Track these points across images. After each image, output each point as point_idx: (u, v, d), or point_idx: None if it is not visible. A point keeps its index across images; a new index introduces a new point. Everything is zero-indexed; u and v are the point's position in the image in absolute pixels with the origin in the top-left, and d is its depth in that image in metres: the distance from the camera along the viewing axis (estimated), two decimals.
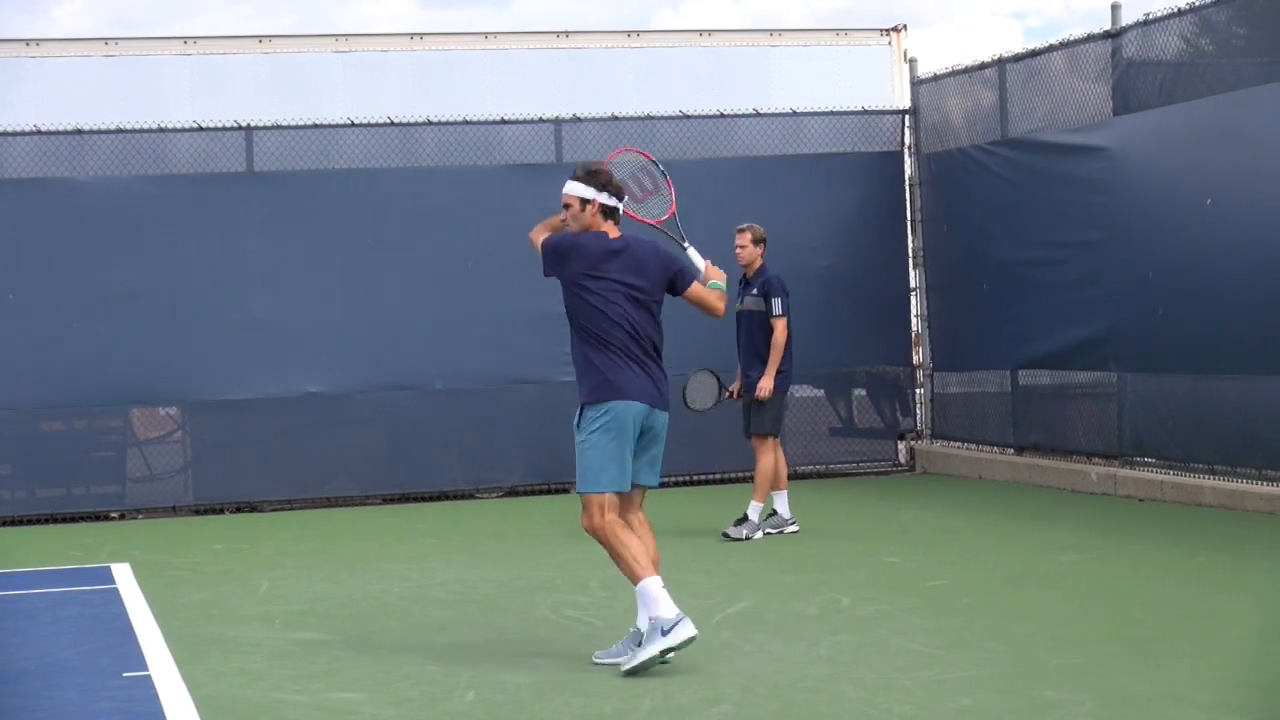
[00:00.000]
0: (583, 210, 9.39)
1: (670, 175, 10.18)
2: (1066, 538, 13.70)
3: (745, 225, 14.35)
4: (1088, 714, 7.88)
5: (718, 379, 14.34)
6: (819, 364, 18.01)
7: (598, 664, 9.27)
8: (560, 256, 9.40)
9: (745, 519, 14.08)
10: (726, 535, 14.00)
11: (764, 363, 14.09)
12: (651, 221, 10.12)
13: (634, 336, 9.31)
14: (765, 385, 14.02)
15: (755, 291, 14.16)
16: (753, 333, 14.17)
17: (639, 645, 9.08)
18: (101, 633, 10.65)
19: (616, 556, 9.14)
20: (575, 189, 9.41)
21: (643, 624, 9.20)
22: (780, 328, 14.07)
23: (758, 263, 14.26)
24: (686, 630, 8.92)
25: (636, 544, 9.13)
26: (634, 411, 9.27)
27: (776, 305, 14.07)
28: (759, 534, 14.02)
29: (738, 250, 14.27)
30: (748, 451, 15.10)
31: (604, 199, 9.40)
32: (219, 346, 17.22)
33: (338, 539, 15.15)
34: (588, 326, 9.31)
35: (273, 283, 17.37)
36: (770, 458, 14.16)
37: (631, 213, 9.89)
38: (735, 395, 14.39)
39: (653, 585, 9.00)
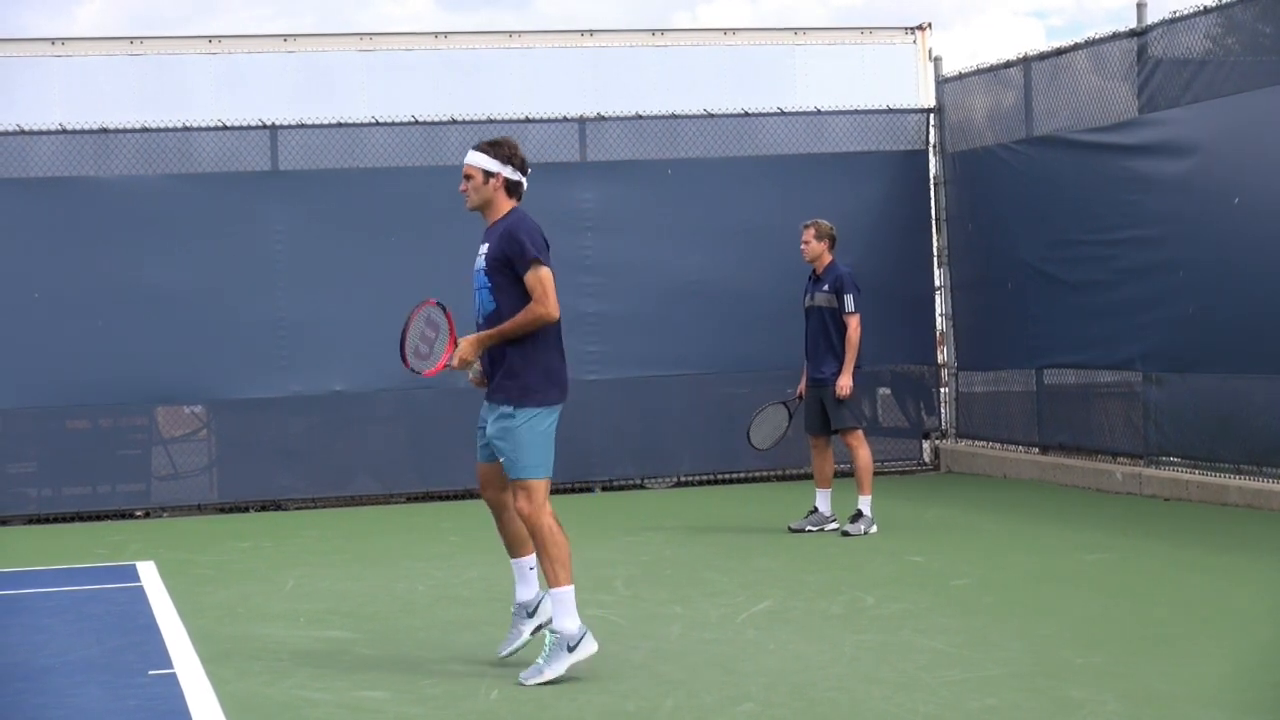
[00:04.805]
0: (485, 183, 9.13)
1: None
2: (1091, 537, 13.67)
3: (810, 221, 14.40)
4: (1112, 713, 7.86)
5: (787, 407, 14.49)
6: None
7: (506, 655, 9.35)
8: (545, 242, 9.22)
9: (860, 515, 14.10)
10: (846, 533, 14.03)
11: (837, 358, 14.12)
12: (438, 368, 9.35)
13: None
14: (845, 383, 14.06)
15: (826, 288, 14.17)
16: (825, 329, 14.18)
17: (529, 616, 9.28)
18: (126, 630, 10.67)
19: (544, 552, 8.95)
20: (479, 160, 9.14)
21: (523, 596, 9.31)
22: (854, 324, 14.11)
23: (826, 258, 14.28)
24: (591, 645, 8.90)
25: (566, 547, 8.96)
26: None
27: (849, 302, 14.11)
28: (874, 527, 14.05)
29: (802, 246, 14.31)
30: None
31: (508, 173, 9.15)
32: (244, 345, 17.26)
33: (362, 537, 15.16)
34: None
35: (297, 281, 17.39)
36: (866, 450, 14.27)
37: (427, 372, 9.36)
38: (800, 396, 14.45)
39: (571, 594, 8.92)
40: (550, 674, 8.82)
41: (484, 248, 9.20)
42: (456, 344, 9.23)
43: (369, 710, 8.42)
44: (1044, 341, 17.54)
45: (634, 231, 18.13)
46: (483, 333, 9.10)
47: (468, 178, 9.19)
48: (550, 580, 8.95)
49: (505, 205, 9.21)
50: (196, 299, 17.16)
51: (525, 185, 9.29)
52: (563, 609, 8.92)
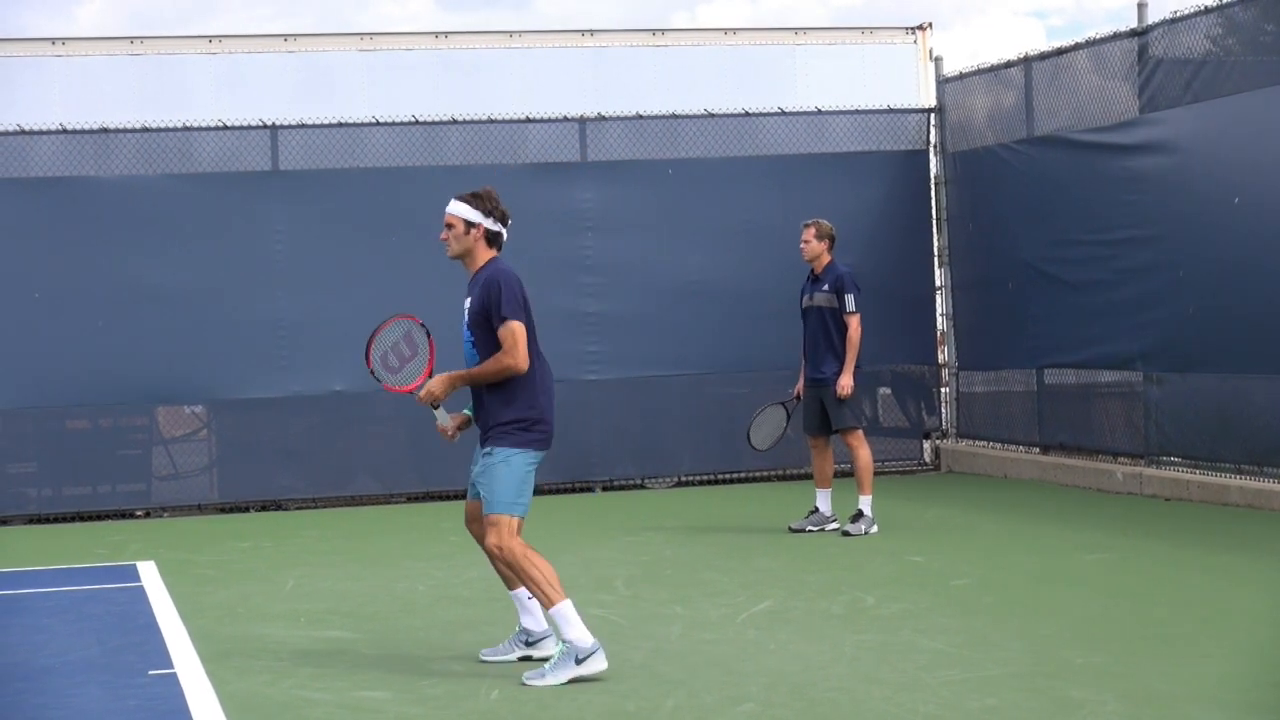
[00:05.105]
0: (466, 233, 9.22)
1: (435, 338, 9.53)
2: (1092, 537, 13.66)
3: (811, 220, 14.38)
4: (1112, 713, 7.86)
5: (785, 408, 14.49)
6: None
7: (485, 661, 9.42)
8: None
9: (861, 514, 14.09)
10: (846, 533, 14.02)
11: (837, 358, 14.11)
12: (404, 389, 9.50)
13: None
14: (846, 383, 14.04)
15: (826, 288, 14.16)
16: (826, 328, 14.16)
17: (527, 644, 9.36)
18: (127, 630, 10.67)
19: (528, 578, 9.02)
20: (461, 210, 9.24)
21: (529, 624, 9.40)
22: (855, 324, 14.10)
23: (825, 258, 14.26)
24: (600, 663, 8.92)
25: (547, 567, 9.04)
26: None
27: (850, 302, 14.09)
28: (875, 527, 14.04)
29: (802, 245, 14.30)
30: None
31: (489, 224, 9.23)
32: (244, 345, 17.25)
33: (362, 537, 15.16)
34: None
35: (298, 281, 17.39)
36: (867, 450, 14.25)
37: (389, 386, 9.51)
38: (798, 396, 14.45)
39: (568, 608, 8.96)
40: (553, 680, 8.84)
41: (467, 302, 9.29)
42: (431, 374, 9.37)
43: (369, 710, 8.42)
44: (1044, 341, 17.53)
45: (634, 231, 18.13)
46: (454, 373, 9.22)
47: (449, 226, 9.29)
48: (544, 602, 9.01)
49: (485, 255, 9.30)
50: (197, 299, 17.16)
51: (505, 236, 9.34)
52: (567, 623, 8.94)
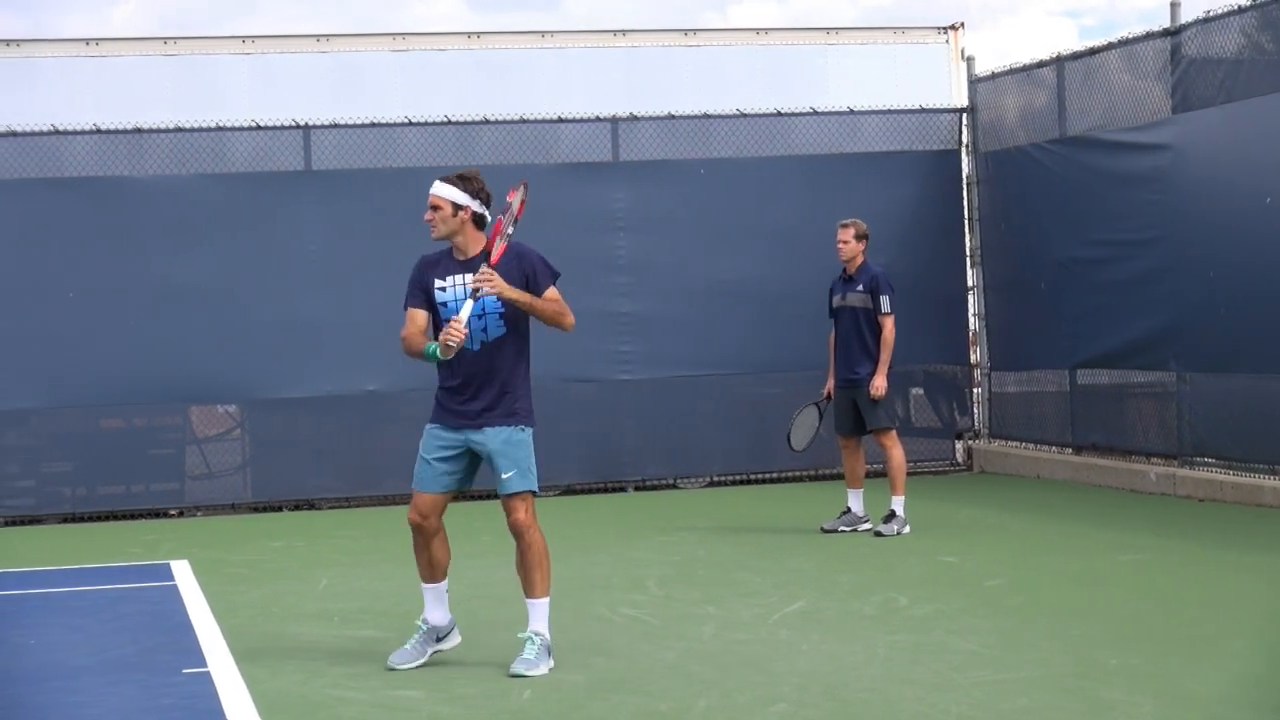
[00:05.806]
0: (454, 215, 9.21)
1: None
2: (1125, 538, 13.64)
3: (849, 221, 14.34)
4: (1146, 714, 7.84)
5: (818, 407, 14.48)
6: None
7: (396, 669, 9.36)
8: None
9: (893, 515, 14.07)
10: (879, 533, 14.00)
11: (871, 359, 14.08)
12: (497, 246, 9.22)
13: None
14: (880, 384, 14.02)
15: (860, 288, 14.13)
16: (859, 329, 14.12)
17: (438, 640, 9.49)
18: (161, 629, 10.70)
19: (542, 561, 9.35)
20: (448, 192, 9.21)
21: (440, 619, 9.53)
22: (890, 325, 14.07)
23: (860, 259, 14.23)
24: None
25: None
26: None
27: (885, 303, 14.06)
28: (907, 527, 14.03)
29: (840, 245, 14.26)
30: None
31: (475, 207, 9.24)
32: (277, 344, 17.28)
33: (395, 536, 15.11)
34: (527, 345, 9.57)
35: (331, 281, 17.42)
36: (900, 450, 14.23)
37: (501, 222, 9.26)
38: (828, 396, 14.43)
39: (549, 603, 9.37)
40: (544, 669, 9.09)
41: (483, 280, 9.16)
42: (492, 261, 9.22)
43: (402, 709, 8.44)
44: (1077, 341, 17.50)
45: (666, 231, 18.13)
46: (516, 290, 9.18)
47: (435, 208, 9.27)
48: (541, 591, 9.33)
49: (478, 237, 9.33)
50: (229, 298, 17.20)
51: (489, 219, 9.35)
52: (546, 616, 9.33)
